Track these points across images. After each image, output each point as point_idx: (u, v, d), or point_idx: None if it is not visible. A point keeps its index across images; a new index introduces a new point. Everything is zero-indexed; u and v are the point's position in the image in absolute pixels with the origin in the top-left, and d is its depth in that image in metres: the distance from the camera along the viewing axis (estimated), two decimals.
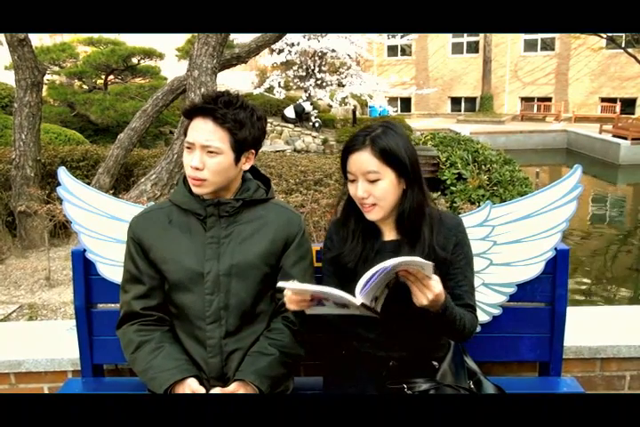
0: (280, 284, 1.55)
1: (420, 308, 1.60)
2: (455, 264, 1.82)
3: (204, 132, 1.76)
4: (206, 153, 1.76)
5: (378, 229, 1.85)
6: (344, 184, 1.83)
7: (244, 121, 1.78)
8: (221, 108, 1.75)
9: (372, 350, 1.81)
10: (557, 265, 2.17)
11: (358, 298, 1.49)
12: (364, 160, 1.71)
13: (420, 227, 1.77)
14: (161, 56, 13.96)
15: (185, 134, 1.81)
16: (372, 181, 1.72)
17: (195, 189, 1.82)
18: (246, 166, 1.88)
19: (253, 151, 1.87)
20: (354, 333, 1.84)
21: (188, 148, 1.79)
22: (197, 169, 1.76)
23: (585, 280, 7.83)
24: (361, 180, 1.73)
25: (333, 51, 18.18)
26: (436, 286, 1.56)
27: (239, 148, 1.80)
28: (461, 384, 1.81)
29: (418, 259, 1.50)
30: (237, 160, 1.82)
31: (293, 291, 1.59)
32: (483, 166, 6.35)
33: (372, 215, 1.77)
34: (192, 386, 1.75)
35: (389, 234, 1.84)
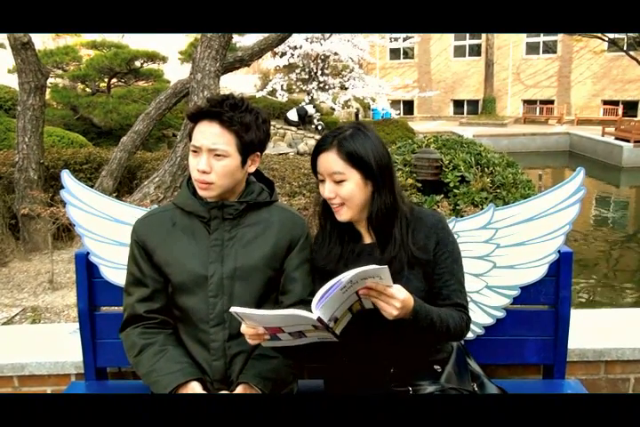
0: (232, 309, 1.53)
1: (393, 321, 1.57)
2: (440, 264, 1.80)
3: (211, 135, 1.76)
4: (213, 156, 1.76)
5: (357, 233, 1.85)
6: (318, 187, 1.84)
7: (249, 124, 1.78)
8: (228, 111, 1.75)
9: (371, 361, 1.80)
10: (561, 267, 2.17)
11: (315, 312, 1.46)
12: (330, 161, 1.73)
13: (391, 228, 1.77)
14: (164, 59, 13.99)
15: (190, 138, 1.81)
16: (338, 182, 1.73)
17: (201, 193, 1.82)
18: (252, 169, 1.88)
19: (259, 154, 1.88)
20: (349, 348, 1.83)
21: (194, 151, 1.79)
22: (205, 172, 1.76)
23: (588, 283, 7.81)
24: (328, 180, 1.75)
25: (336, 54, 18.21)
26: (398, 293, 1.53)
27: (245, 150, 1.80)
28: (465, 387, 1.81)
29: (371, 266, 1.47)
30: (244, 163, 1.82)
31: (246, 323, 1.56)
32: (486, 169, 6.33)
33: (341, 216, 1.78)
34: (195, 390, 1.75)
35: (367, 237, 1.85)
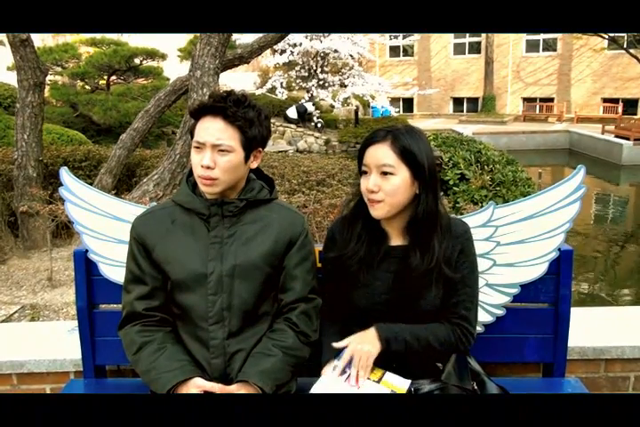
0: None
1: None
2: (457, 272, 1.80)
3: (215, 131, 1.75)
4: (217, 152, 1.76)
5: (384, 234, 1.83)
6: (358, 185, 1.81)
7: (253, 119, 1.78)
8: (231, 106, 1.74)
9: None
10: (561, 266, 2.16)
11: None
12: (381, 153, 1.70)
13: (430, 236, 1.75)
14: (163, 57, 13.99)
15: (191, 134, 1.81)
16: (385, 175, 1.70)
17: (205, 189, 1.81)
18: (254, 165, 1.88)
19: (261, 150, 1.87)
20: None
21: (197, 147, 1.78)
22: (209, 168, 1.76)
23: (588, 281, 7.81)
24: (374, 172, 1.71)
25: (336, 51, 18.21)
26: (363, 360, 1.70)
27: (249, 146, 1.80)
28: (465, 385, 1.80)
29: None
30: (247, 158, 1.82)
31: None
32: (485, 167, 6.34)
33: (376, 211, 1.74)
34: (197, 383, 1.74)
35: (396, 239, 1.82)
